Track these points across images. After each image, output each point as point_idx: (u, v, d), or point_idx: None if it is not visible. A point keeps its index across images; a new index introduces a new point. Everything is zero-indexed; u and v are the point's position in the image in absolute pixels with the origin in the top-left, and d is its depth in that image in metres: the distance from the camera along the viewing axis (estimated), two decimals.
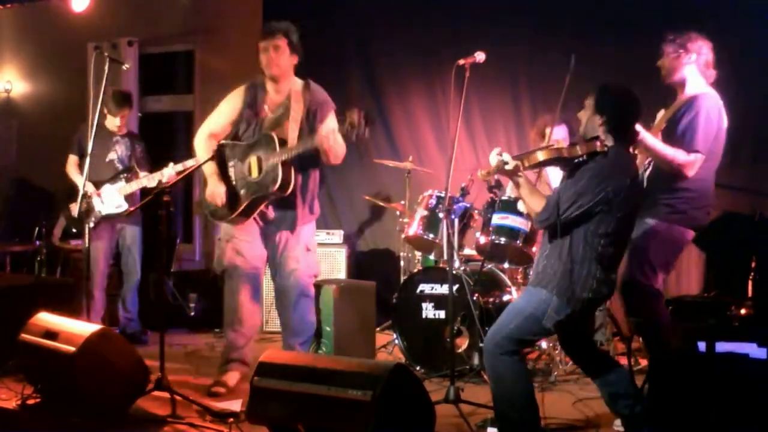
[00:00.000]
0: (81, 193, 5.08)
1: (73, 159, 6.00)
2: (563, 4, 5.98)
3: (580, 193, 3.39)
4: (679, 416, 3.19)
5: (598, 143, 3.49)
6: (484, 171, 3.67)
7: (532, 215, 3.60)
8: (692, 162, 4.04)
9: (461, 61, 4.30)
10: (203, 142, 4.72)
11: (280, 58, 4.55)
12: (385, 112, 6.82)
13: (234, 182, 4.61)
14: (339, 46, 7.01)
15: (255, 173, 4.53)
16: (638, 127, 3.64)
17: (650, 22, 5.64)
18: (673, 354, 3.68)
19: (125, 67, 5.51)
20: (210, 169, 4.63)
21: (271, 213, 4.63)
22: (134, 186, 5.78)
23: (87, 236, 5.12)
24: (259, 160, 4.51)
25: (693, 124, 4.06)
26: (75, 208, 5.72)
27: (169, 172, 5.57)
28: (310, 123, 4.58)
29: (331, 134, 4.28)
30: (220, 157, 4.63)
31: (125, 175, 5.84)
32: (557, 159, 3.59)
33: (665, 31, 4.28)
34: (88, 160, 5.17)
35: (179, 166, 5.51)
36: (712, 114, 4.10)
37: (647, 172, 4.18)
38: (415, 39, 6.59)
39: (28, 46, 8.73)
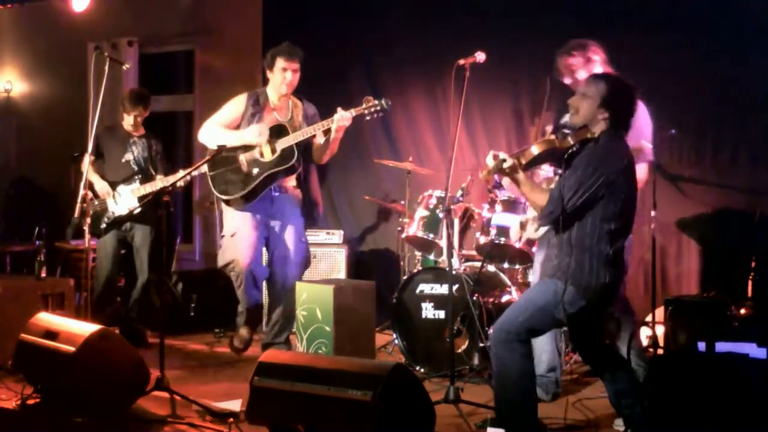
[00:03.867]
0: (81, 193, 5.08)
1: (88, 158, 5.96)
2: (563, 4, 5.98)
3: (581, 180, 3.41)
4: (679, 416, 3.19)
5: (588, 132, 3.53)
6: (484, 171, 3.70)
7: (537, 211, 3.61)
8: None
9: (461, 61, 4.30)
10: (214, 132, 5.13)
11: (295, 79, 5.11)
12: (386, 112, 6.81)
13: (246, 167, 5.04)
14: (339, 46, 7.00)
15: (268, 156, 5.00)
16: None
17: (650, 21, 5.65)
18: (673, 354, 3.69)
19: (125, 67, 5.51)
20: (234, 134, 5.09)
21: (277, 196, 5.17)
22: (148, 188, 5.67)
23: (87, 236, 5.11)
24: (272, 145, 4.98)
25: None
26: (90, 209, 5.72)
27: (177, 177, 5.58)
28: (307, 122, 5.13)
29: (347, 120, 4.85)
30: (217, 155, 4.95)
31: (140, 176, 5.78)
32: (551, 151, 3.60)
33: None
34: (86, 159, 5.18)
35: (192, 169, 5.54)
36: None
37: None
38: (415, 39, 6.58)
39: (28, 46, 8.73)
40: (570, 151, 3.55)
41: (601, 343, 3.76)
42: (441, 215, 5.13)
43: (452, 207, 4.85)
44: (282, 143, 4.96)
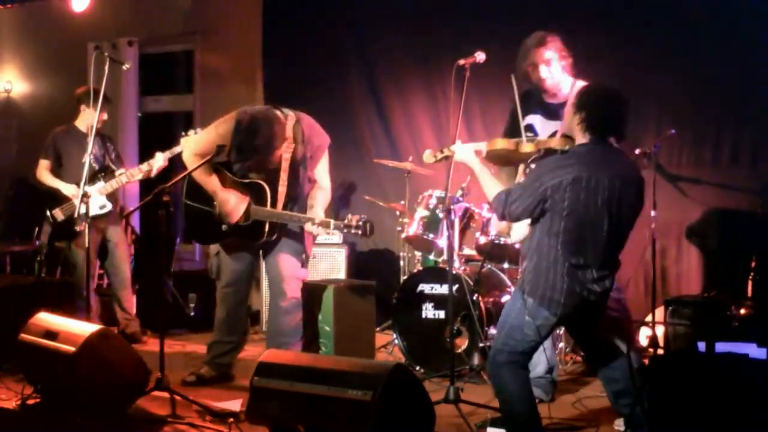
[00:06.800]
0: (81, 193, 5.08)
1: (45, 164, 5.85)
2: (563, 4, 5.98)
3: (524, 186, 3.36)
4: (679, 416, 3.19)
5: (558, 142, 3.50)
6: (430, 151, 3.83)
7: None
8: None
9: (461, 61, 4.30)
10: (194, 161, 4.58)
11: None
12: (385, 112, 6.82)
13: (217, 215, 4.59)
14: (339, 46, 7.00)
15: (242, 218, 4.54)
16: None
17: (650, 21, 5.65)
18: (673, 354, 3.68)
19: (125, 67, 5.51)
20: (213, 185, 4.57)
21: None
22: (114, 184, 5.71)
23: (87, 237, 5.10)
24: (248, 207, 4.51)
25: None
26: (60, 213, 5.70)
27: (158, 162, 5.60)
28: (303, 166, 4.61)
29: (320, 230, 4.46)
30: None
31: (102, 174, 5.76)
32: (508, 153, 3.67)
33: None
34: (87, 159, 5.17)
35: (168, 153, 5.57)
36: None
37: None
38: (415, 39, 6.58)
39: (28, 46, 8.73)
40: (534, 157, 3.56)
41: (596, 341, 3.68)
42: (441, 215, 5.13)
43: (452, 207, 4.85)
44: (256, 212, 4.47)
